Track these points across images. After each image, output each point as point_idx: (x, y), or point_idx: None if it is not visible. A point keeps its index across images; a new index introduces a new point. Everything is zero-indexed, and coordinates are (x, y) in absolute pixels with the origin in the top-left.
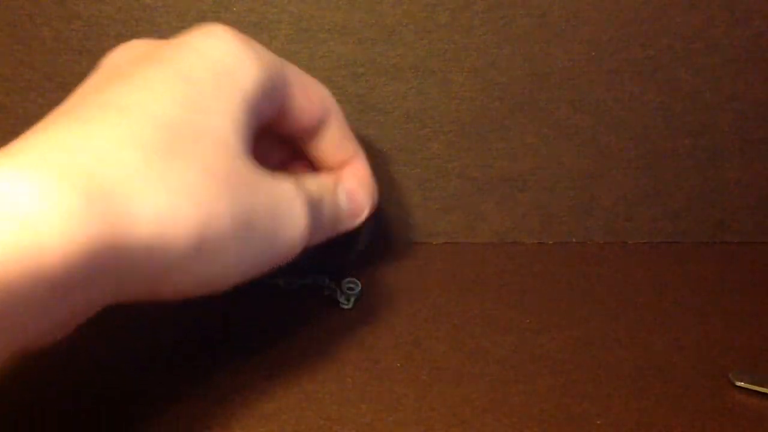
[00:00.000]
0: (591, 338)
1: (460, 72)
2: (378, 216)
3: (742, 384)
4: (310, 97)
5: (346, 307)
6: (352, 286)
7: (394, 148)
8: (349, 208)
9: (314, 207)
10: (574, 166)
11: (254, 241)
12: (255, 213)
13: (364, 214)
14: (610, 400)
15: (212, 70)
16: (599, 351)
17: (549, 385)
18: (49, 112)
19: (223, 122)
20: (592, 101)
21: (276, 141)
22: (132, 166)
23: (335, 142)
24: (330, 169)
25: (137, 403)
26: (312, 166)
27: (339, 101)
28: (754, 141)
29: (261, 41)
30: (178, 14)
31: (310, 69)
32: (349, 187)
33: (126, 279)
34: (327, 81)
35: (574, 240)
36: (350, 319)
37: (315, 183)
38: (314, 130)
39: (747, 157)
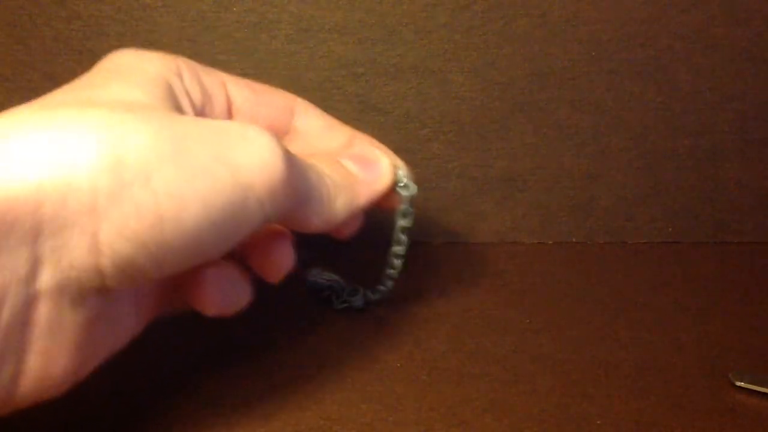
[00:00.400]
0: (591, 338)
1: (460, 72)
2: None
3: (742, 384)
4: (259, 102)
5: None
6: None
7: (394, 148)
8: (362, 167)
9: (298, 164)
10: (574, 166)
11: (196, 164)
12: (189, 138)
13: (385, 167)
14: (610, 400)
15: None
16: (599, 351)
17: (549, 385)
18: None
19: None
20: (592, 101)
21: None
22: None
23: (318, 132)
24: None
25: (137, 403)
26: None
27: (339, 101)
28: (754, 141)
29: (261, 41)
30: (178, 14)
31: (310, 69)
32: (353, 152)
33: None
34: (327, 81)
35: (574, 240)
36: (350, 319)
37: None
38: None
39: (747, 157)
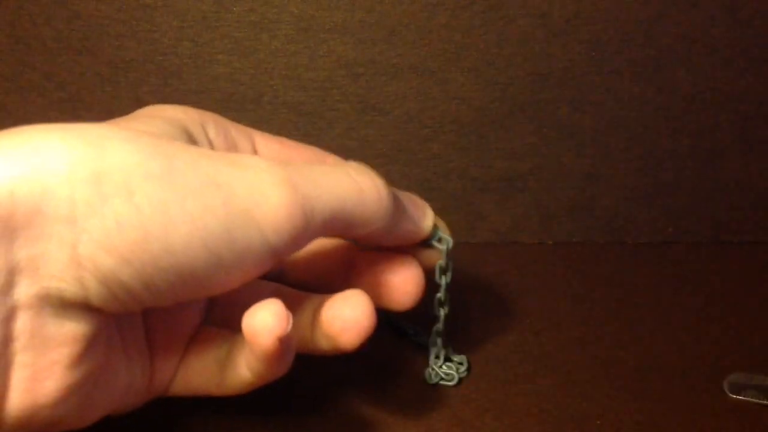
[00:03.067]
0: (591, 338)
1: (460, 72)
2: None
3: (740, 398)
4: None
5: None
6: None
7: (394, 148)
8: (409, 204)
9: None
10: (574, 166)
11: (186, 185)
12: (180, 159)
13: (429, 212)
14: (610, 400)
15: None
16: (599, 351)
17: (549, 385)
18: (48, 112)
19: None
20: (592, 101)
21: None
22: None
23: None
24: None
25: None
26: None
27: (339, 101)
28: (754, 141)
29: (261, 41)
30: (178, 14)
31: (310, 69)
32: (403, 193)
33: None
34: (327, 81)
35: (574, 240)
36: None
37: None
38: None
39: (747, 157)
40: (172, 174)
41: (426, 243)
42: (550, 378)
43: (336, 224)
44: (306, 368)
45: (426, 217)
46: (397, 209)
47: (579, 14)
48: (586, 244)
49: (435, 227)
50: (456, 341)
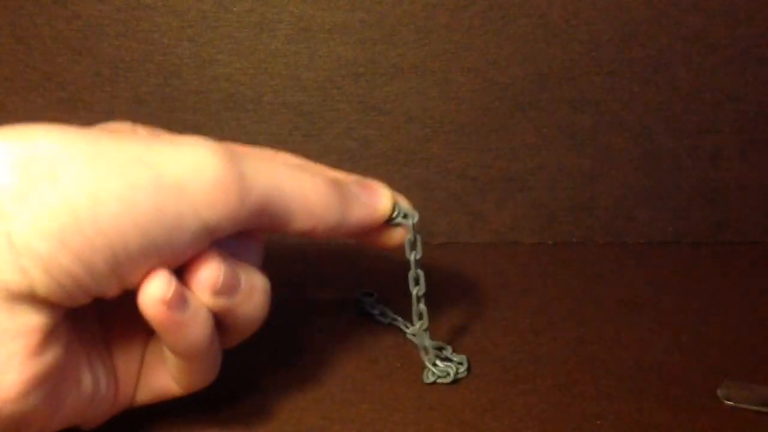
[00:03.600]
0: (591, 338)
1: (460, 72)
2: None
3: (733, 404)
4: None
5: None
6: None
7: (394, 148)
8: (362, 190)
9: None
10: (574, 166)
11: (111, 165)
12: (105, 141)
13: (385, 194)
14: (610, 400)
15: None
16: (599, 351)
17: (549, 385)
18: (48, 113)
19: None
20: (592, 101)
21: None
22: None
23: None
24: None
25: None
26: None
27: (339, 101)
28: (754, 141)
29: (261, 41)
30: (178, 14)
31: (310, 69)
32: (354, 178)
33: None
34: (327, 81)
35: (574, 240)
36: (350, 320)
37: None
38: None
39: (747, 157)
40: (96, 155)
41: (391, 222)
42: (550, 378)
43: (274, 212)
44: (305, 368)
45: (382, 199)
46: (344, 198)
47: (579, 14)
48: (586, 244)
49: (396, 205)
50: (456, 341)
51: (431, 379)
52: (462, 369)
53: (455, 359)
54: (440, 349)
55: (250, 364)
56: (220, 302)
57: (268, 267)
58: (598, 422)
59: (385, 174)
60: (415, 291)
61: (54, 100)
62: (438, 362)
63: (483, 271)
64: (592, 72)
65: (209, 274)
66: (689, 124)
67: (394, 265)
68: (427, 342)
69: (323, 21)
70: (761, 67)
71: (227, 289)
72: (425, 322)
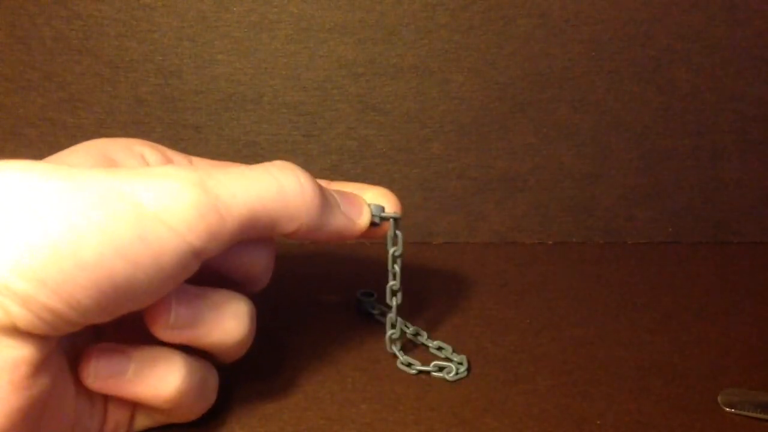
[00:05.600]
0: (591, 338)
1: (460, 72)
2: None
3: (732, 410)
4: None
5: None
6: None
7: (394, 148)
8: (345, 201)
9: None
10: (574, 166)
11: (91, 198)
12: (83, 176)
13: (366, 210)
14: (610, 400)
15: None
16: (599, 351)
17: (549, 385)
18: (48, 113)
19: None
20: (592, 101)
21: None
22: None
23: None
24: None
25: None
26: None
27: (339, 101)
28: (754, 141)
29: (261, 41)
30: (178, 14)
31: (310, 69)
32: (341, 189)
33: None
34: (327, 81)
35: (574, 240)
36: (349, 320)
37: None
38: None
39: (747, 157)
40: (74, 190)
41: (372, 226)
42: (550, 378)
43: (259, 222)
44: (304, 366)
45: (363, 215)
46: (326, 204)
47: (579, 14)
48: (586, 244)
49: (380, 210)
50: (456, 341)
51: (392, 351)
52: (462, 369)
53: (455, 359)
54: (429, 344)
55: (249, 364)
56: (181, 336)
57: None
58: (598, 422)
59: (385, 174)
60: (390, 285)
61: (54, 100)
62: (401, 354)
63: (483, 271)
64: (592, 72)
65: (163, 311)
66: (689, 124)
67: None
68: (398, 323)
69: (323, 21)
70: (761, 67)
71: (183, 323)
72: (395, 316)
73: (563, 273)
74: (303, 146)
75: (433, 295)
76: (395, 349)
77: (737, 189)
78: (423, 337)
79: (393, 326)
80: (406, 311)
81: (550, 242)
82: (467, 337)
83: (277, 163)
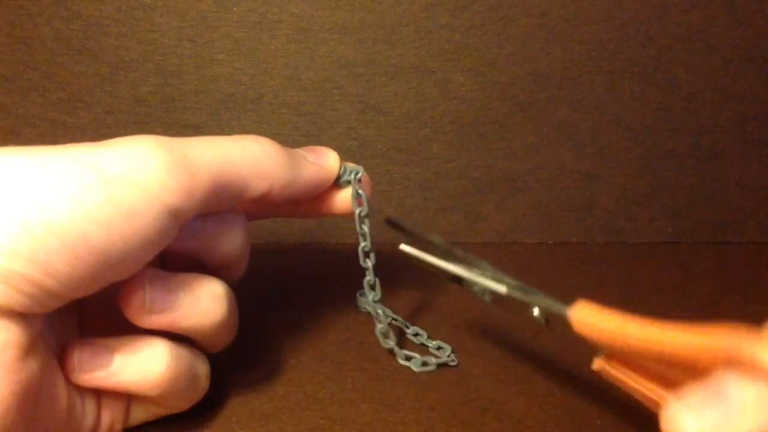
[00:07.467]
0: None
1: (460, 72)
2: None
3: None
4: None
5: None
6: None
7: (394, 148)
8: (310, 153)
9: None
10: (574, 166)
11: (61, 172)
12: (52, 152)
13: (332, 155)
14: (610, 400)
15: None
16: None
17: (549, 385)
18: (48, 113)
19: None
20: (592, 101)
21: None
22: None
23: None
24: None
25: None
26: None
27: (339, 101)
28: (754, 141)
29: (261, 41)
30: (178, 14)
31: (310, 69)
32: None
33: None
34: (327, 81)
35: (574, 240)
36: (349, 320)
37: None
38: None
39: (747, 157)
40: (42, 166)
41: (339, 181)
42: (550, 378)
43: (230, 183)
44: (304, 366)
45: (329, 156)
46: (292, 158)
47: (579, 14)
48: (586, 244)
49: (342, 165)
50: (456, 341)
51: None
52: (446, 354)
53: (455, 359)
54: (416, 334)
55: (249, 364)
56: (158, 320)
57: (268, 267)
58: (599, 422)
59: (385, 174)
60: (361, 246)
61: (54, 100)
62: (391, 340)
63: None
64: (592, 72)
65: (137, 296)
66: (689, 124)
67: (394, 265)
68: (380, 315)
69: (323, 21)
70: (761, 67)
71: (160, 307)
72: (378, 293)
73: (563, 273)
74: (303, 146)
75: (432, 295)
76: (391, 343)
77: (737, 189)
78: (423, 337)
79: (379, 321)
80: (406, 312)
81: (551, 242)
82: (467, 337)
83: (240, 136)
